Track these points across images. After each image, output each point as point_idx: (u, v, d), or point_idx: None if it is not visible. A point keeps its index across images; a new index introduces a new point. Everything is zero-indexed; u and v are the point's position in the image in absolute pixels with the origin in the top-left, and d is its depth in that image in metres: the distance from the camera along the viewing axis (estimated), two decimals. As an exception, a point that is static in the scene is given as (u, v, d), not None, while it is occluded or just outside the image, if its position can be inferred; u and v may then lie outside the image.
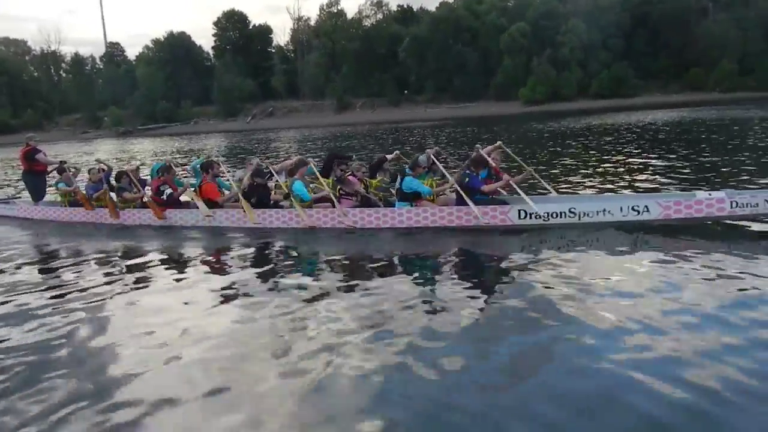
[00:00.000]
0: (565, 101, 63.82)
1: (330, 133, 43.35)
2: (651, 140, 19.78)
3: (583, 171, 12.88)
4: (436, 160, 8.36)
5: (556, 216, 7.15)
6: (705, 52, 63.16)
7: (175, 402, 3.49)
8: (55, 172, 10.97)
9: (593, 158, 15.44)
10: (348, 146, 27.30)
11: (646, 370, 3.45)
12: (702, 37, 64.80)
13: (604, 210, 6.97)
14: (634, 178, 11.37)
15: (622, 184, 10.73)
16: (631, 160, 14.42)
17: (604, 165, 13.79)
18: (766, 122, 23.78)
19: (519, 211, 7.29)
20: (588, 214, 7.04)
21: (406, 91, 76.88)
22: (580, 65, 67.06)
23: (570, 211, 7.11)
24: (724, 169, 11.64)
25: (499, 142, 8.57)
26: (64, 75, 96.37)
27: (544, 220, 7.19)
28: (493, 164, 8.04)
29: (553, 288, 5.00)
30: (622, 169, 12.72)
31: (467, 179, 7.59)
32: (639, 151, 16.50)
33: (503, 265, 6.05)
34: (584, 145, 19.91)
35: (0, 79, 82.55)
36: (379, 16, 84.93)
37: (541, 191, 8.94)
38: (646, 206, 6.82)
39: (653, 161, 13.83)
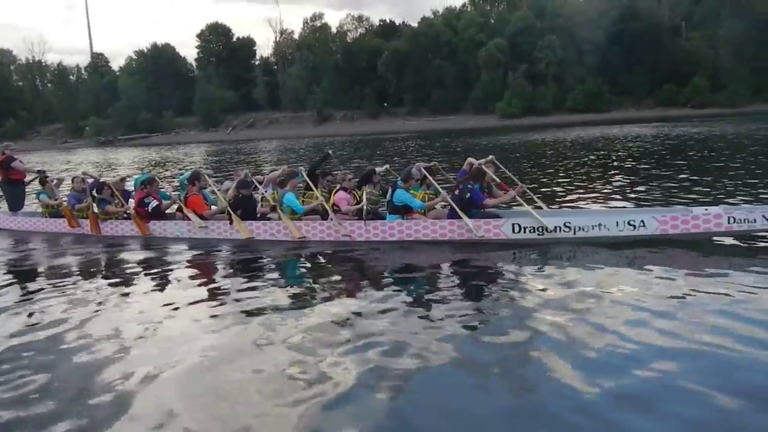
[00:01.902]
0: (541, 115, 64.65)
1: (310, 145, 43.20)
2: (628, 155, 20.02)
3: (567, 185, 12.93)
4: (428, 174, 8.26)
5: (551, 230, 7.08)
6: (677, 69, 64.73)
7: (154, 419, 3.35)
8: (37, 182, 10.65)
9: (575, 172, 15.53)
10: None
11: (638, 387, 3.42)
12: (675, 55, 66.45)
13: (600, 224, 6.92)
14: (619, 191, 11.43)
15: (607, 197, 10.76)
16: (612, 173, 14.55)
17: (588, 179, 13.88)
18: (738, 138, 24.30)
19: (513, 225, 7.22)
20: (583, 229, 6.98)
21: (385, 104, 77.18)
22: (555, 80, 68.13)
23: (565, 225, 7.04)
24: (708, 183, 11.77)
25: (491, 156, 8.46)
26: (49, 85, 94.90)
27: (538, 234, 7.11)
28: (497, 179, 7.96)
29: (547, 304, 4.89)
30: (606, 183, 12.80)
31: (469, 194, 7.43)
32: (619, 165, 16.70)
33: (497, 279, 5.97)
34: (563, 158, 20.08)
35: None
36: (361, 30, 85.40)
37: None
38: (642, 221, 6.79)
39: (633, 176, 13.92)
